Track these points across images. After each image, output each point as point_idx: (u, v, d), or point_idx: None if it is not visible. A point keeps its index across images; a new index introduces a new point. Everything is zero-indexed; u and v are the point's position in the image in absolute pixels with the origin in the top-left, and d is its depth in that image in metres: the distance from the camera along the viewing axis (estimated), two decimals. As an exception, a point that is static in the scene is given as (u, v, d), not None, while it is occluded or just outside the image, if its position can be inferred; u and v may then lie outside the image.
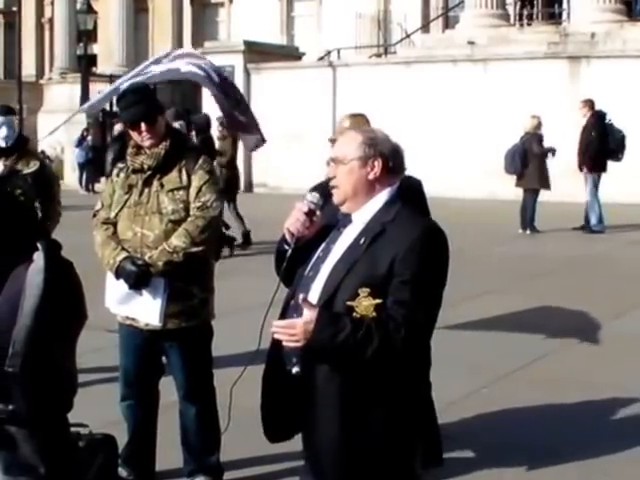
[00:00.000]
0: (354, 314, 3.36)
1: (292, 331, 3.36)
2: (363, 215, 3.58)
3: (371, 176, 3.58)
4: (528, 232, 16.33)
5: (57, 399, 3.04)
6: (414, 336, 3.40)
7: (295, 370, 3.58)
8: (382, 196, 3.59)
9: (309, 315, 3.33)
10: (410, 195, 3.75)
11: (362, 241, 3.50)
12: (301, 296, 3.41)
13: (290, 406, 3.63)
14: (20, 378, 2.85)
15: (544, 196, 16.50)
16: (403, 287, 3.37)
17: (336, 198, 3.63)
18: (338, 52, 28.79)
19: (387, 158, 3.60)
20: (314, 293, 3.53)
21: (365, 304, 3.33)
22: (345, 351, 3.35)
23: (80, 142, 30.12)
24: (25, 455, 2.91)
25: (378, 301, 3.31)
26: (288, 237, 3.66)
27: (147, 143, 5.13)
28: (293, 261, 3.65)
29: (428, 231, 3.50)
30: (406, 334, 3.35)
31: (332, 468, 3.55)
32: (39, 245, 2.89)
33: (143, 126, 5.10)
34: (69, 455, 3.19)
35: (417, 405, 3.59)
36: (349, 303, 3.35)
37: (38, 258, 2.85)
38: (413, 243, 3.42)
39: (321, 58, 28.75)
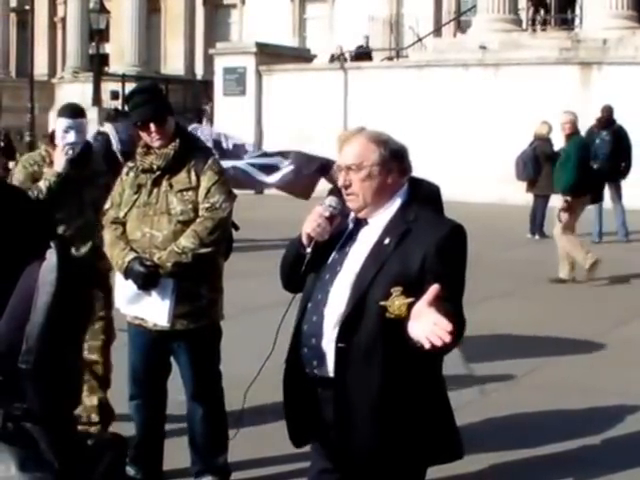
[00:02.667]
0: (387, 314, 3.38)
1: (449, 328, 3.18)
2: (381, 217, 3.60)
3: (390, 180, 3.60)
4: (537, 237, 16.35)
5: (68, 396, 3.07)
6: (461, 329, 3.43)
7: (314, 373, 3.60)
8: (397, 197, 3.63)
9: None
10: (430, 200, 3.78)
11: (387, 241, 3.52)
12: (435, 287, 3.23)
13: (312, 409, 3.65)
14: (33, 375, 2.88)
15: (553, 201, 16.50)
16: (440, 282, 3.35)
17: (354, 205, 3.61)
18: (350, 54, 28.84)
19: (400, 160, 3.64)
20: (335, 295, 3.55)
21: (397, 303, 3.35)
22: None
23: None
24: (40, 451, 2.93)
25: (410, 300, 3.31)
26: (306, 241, 3.63)
27: (156, 144, 5.14)
28: (301, 265, 3.65)
29: (455, 229, 3.55)
30: (457, 328, 3.36)
31: (368, 463, 3.57)
32: (52, 243, 2.92)
33: (152, 126, 5.10)
34: (79, 452, 3.22)
35: (440, 399, 3.64)
36: (382, 303, 3.35)
37: (51, 255, 2.88)
38: (443, 240, 3.47)
39: (335, 59, 28.83)
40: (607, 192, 16.16)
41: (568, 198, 12.21)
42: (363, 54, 29.59)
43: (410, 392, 3.50)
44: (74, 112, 6.20)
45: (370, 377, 3.45)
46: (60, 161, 5.95)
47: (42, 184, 5.89)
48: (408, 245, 3.48)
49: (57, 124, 6.07)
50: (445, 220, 3.64)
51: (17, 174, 6.11)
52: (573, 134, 12.76)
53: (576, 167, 12.18)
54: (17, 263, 2.90)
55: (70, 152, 5.94)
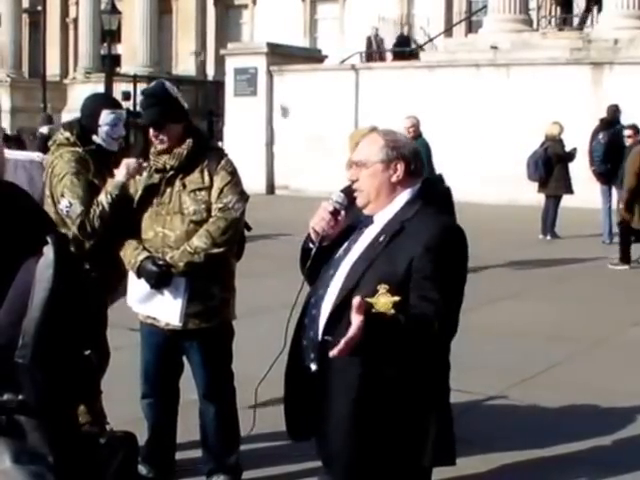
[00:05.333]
0: (372, 310, 3.37)
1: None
2: (384, 215, 3.65)
3: (394, 179, 3.65)
4: (549, 237, 16.34)
5: (67, 390, 3.08)
6: (446, 332, 3.46)
7: (312, 366, 3.65)
8: (403, 197, 3.66)
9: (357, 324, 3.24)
10: (436, 201, 3.79)
11: (381, 239, 3.57)
12: (356, 299, 3.27)
13: (310, 403, 3.69)
14: (29, 369, 2.90)
15: (564, 202, 16.50)
16: (426, 283, 3.42)
17: (359, 201, 3.69)
18: (361, 55, 28.85)
19: (409, 161, 3.67)
20: (333, 290, 3.60)
21: (383, 300, 3.33)
22: (394, 346, 3.37)
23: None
24: (34, 444, 2.95)
25: (396, 298, 3.31)
26: (313, 236, 3.73)
27: (159, 147, 5.15)
28: (318, 260, 3.71)
29: (447, 228, 3.57)
30: (439, 329, 3.40)
31: (343, 462, 3.61)
32: (49, 239, 2.94)
33: (151, 131, 5.13)
34: (83, 447, 3.24)
35: (431, 403, 3.63)
36: (368, 300, 3.34)
37: (48, 251, 2.89)
38: (432, 240, 3.48)
39: (370, 42, 28.98)
40: (614, 194, 16.15)
41: None
42: (402, 52, 29.39)
43: (393, 391, 3.51)
44: (117, 102, 5.81)
45: (351, 372, 3.48)
46: (123, 171, 5.27)
47: (103, 199, 5.23)
48: (398, 244, 3.52)
49: (102, 116, 5.48)
50: (440, 220, 3.64)
51: (71, 186, 5.30)
52: (417, 137, 13.12)
53: None
54: (14, 258, 2.93)
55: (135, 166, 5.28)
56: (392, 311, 3.32)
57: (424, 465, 3.71)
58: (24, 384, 2.92)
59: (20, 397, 2.94)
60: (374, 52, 30.32)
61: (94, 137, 5.54)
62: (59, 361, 2.95)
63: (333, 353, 3.23)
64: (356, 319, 3.20)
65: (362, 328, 3.18)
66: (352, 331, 3.19)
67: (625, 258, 13.56)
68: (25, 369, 2.88)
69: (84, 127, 5.58)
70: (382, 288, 3.35)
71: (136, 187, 5.29)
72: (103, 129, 5.51)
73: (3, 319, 2.91)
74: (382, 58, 30.14)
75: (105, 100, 5.82)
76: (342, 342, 3.20)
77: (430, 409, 3.61)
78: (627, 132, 14.50)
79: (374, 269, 3.49)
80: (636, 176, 12.93)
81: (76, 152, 5.49)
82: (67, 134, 5.57)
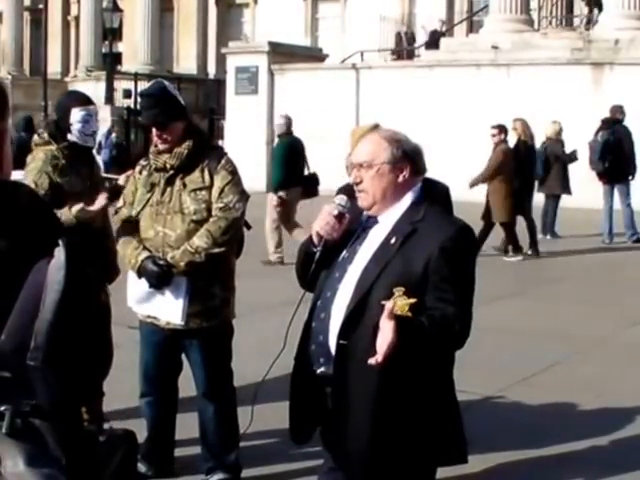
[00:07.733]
0: None
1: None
2: (390, 216, 3.62)
3: (400, 179, 3.61)
4: (548, 237, 16.32)
5: (78, 392, 3.09)
6: (466, 332, 3.47)
7: (320, 370, 3.62)
8: (408, 196, 3.64)
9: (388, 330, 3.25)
10: (438, 200, 3.78)
11: (393, 241, 3.53)
12: (388, 304, 3.27)
13: (316, 408, 3.68)
14: (42, 371, 2.90)
15: (564, 202, 16.49)
16: (444, 285, 3.41)
17: (364, 202, 3.64)
18: (362, 55, 28.84)
19: (414, 160, 3.65)
20: (343, 294, 3.57)
21: (400, 303, 3.31)
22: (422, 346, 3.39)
23: (105, 140, 30.17)
24: (48, 447, 2.95)
25: (413, 300, 3.30)
26: (316, 240, 3.67)
27: (160, 147, 5.16)
28: (312, 263, 3.68)
29: (461, 229, 3.56)
30: (460, 330, 3.43)
31: (360, 465, 3.60)
32: (60, 241, 2.94)
33: (154, 131, 5.14)
34: (87, 448, 3.25)
35: (444, 402, 3.63)
36: (384, 302, 3.32)
37: (59, 253, 2.90)
38: (448, 241, 3.46)
39: (399, 39, 29.00)
40: (616, 193, 16.14)
41: (282, 194, 13.20)
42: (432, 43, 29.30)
43: (409, 393, 3.50)
44: (87, 99, 5.85)
45: (369, 375, 3.44)
46: (97, 206, 5.50)
47: (65, 215, 5.35)
48: (412, 245, 3.49)
49: (72, 115, 5.62)
50: (452, 220, 3.64)
51: (37, 179, 5.49)
52: (285, 134, 13.85)
53: (281, 165, 13.37)
54: (26, 260, 2.93)
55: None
56: (409, 313, 3.30)
57: (441, 465, 3.73)
58: (36, 386, 2.92)
59: (34, 400, 2.95)
60: (404, 49, 30.22)
61: (69, 135, 5.66)
62: (69, 362, 2.96)
63: (377, 360, 3.22)
64: (388, 324, 3.20)
65: (397, 333, 3.19)
66: (388, 337, 3.20)
67: (516, 248, 14.14)
68: (37, 371, 2.89)
69: (59, 126, 5.73)
70: (398, 291, 3.33)
71: (135, 185, 5.29)
72: (75, 127, 5.64)
73: (15, 321, 2.91)
74: (411, 56, 30.02)
75: (75, 98, 5.89)
76: (383, 349, 3.20)
77: (444, 407, 3.63)
78: (492, 131, 14.80)
79: (389, 271, 3.46)
80: (496, 172, 14.24)
81: (49, 150, 5.66)
82: (44, 134, 5.75)
